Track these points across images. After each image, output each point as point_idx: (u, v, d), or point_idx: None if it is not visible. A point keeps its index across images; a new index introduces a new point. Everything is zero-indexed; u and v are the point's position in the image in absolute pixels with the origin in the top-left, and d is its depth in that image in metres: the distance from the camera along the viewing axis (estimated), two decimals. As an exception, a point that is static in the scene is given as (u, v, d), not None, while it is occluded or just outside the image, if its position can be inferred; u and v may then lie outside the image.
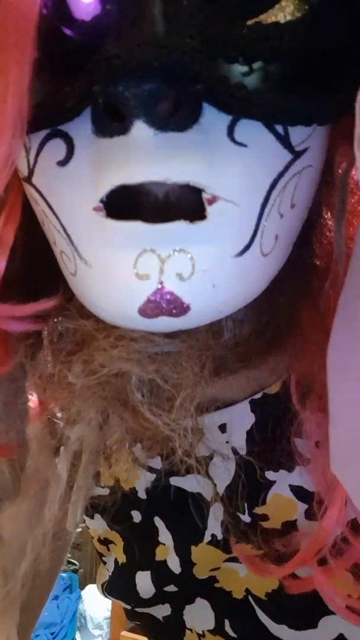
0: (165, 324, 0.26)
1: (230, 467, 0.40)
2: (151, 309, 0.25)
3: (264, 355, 0.35)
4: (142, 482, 0.45)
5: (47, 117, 0.25)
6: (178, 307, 0.25)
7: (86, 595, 2.18)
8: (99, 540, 0.49)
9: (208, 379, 0.31)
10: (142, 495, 0.45)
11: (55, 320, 0.33)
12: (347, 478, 0.28)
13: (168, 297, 0.25)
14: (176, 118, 0.24)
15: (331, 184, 0.32)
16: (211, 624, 0.44)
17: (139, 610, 0.47)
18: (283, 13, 0.24)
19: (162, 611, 0.46)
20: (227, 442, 0.40)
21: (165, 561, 0.44)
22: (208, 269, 0.25)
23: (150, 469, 0.44)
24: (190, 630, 0.45)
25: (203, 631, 0.44)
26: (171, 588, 0.45)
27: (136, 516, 0.46)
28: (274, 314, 0.33)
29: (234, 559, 0.41)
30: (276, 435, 0.38)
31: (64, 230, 0.27)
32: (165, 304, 0.25)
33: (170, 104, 0.24)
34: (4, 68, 0.23)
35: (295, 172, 0.27)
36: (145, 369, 0.29)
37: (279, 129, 0.26)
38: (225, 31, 0.23)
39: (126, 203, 0.25)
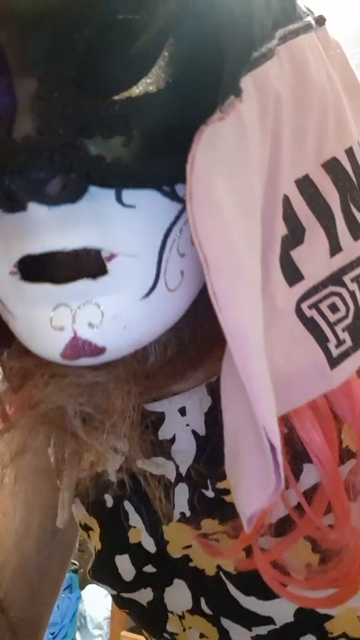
0: (87, 361, 0.29)
1: (191, 448, 0.42)
2: (70, 354, 0.29)
3: (191, 370, 0.38)
4: (111, 464, 0.46)
5: None
6: (93, 350, 0.29)
7: (86, 595, 2.19)
8: (81, 525, 0.51)
9: (138, 398, 0.33)
10: (112, 477, 0.47)
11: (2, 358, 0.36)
12: (232, 468, 0.30)
13: (82, 342, 0.28)
14: (65, 193, 0.27)
15: None
16: (189, 604, 0.45)
17: (124, 595, 0.48)
18: (149, 84, 0.26)
19: (145, 596, 0.47)
20: (187, 424, 0.42)
21: (139, 543, 0.46)
22: (117, 314, 0.29)
23: (118, 451, 0.46)
24: (172, 613, 0.47)
25: (182, 612, 0.46)
26: (150, 569, 0.46)
27: (108, 500, 0.48)
28: (195, 335, 0.35)
29: (205, 537, 0.43)
30: None
31: None
32: (81, 349, 0.28)
33: (58, 182, 0.26)
34: None
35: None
36: (77, 401, 0.32)
37: (164, 186, 0.28)
38: (99, 111, 0.26)
39: (36, 270, 0.28)
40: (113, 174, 0.26)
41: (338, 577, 0.36)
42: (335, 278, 0.31)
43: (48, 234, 0.27)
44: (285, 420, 0.35)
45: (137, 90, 0.26)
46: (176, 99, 0.27)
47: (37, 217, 0.27)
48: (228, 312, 0.26)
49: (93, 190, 0.27)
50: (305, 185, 0.31)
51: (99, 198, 0.27)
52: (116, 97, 0.26)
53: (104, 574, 0.49)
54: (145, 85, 0.26)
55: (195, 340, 0.35)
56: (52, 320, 0.28)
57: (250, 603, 0.42)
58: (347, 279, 0.31)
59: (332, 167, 0.32)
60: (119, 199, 0.28)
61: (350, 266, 0.32)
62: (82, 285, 0.28)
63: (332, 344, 0.30)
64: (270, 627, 0.41)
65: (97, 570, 0.50)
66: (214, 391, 0.41)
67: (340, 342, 0.30)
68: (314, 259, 0.31)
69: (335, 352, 0.30)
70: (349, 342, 0.31)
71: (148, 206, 0.28)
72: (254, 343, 0.26)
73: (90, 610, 2.15)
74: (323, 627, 0.40)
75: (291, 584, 0.38)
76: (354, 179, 0.32)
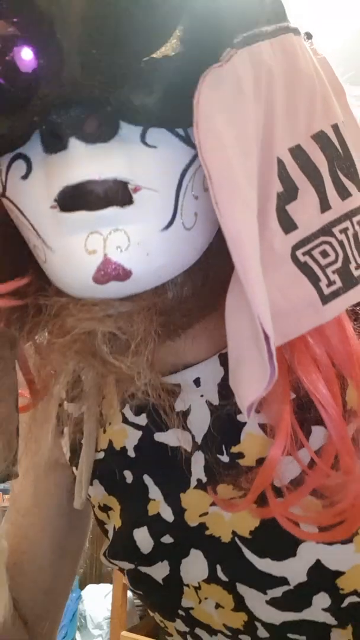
0: (116, 288, 0.34)
1: (205, 417, 0.45)
2: (101, 275, 0.33)
3: (205, 311, 0.41)
4: (130, 440, 0.49)
5: (7, 145, 0.34)
6: (121, 272, 0.33)
7: (86, 595, 2.20)
8: (100, 507, 0.53)
9: (158, 329, 0.37)
10: (131, 453, 0.49)
11: (35, 298, 0.39)
12: (238, 385, 0.34)
13: (112, 265, 0.33)
14: (100, 133, 0.32)
15: None
16: (205, 573, 0.47)
17: (142, 570, 0.50)
18: (168, 50, 0.33)
19: (161, 571, 0.49)
20: (201, 395, 0.45)
21: (158, 514, 0.48)
22: (141, 242, 0.33)
23: (137, 427, 0.49)
24: (188, 585, 0.48)
25: (199, 583, 0.47)
26: (167, 539, 0.48)
27: (128, 476, 0.50)
28: (207, 279, 0.39)
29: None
30: None
31: (33, 227, 0.35)
32: (111, 270, 0.33)
33: (94, 123, 0.32)
34: None
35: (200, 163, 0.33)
36: (106, 325, 0.36)
37: (180, 131, 0.34)
38: (128, 66, 0.32)
39: (73, 199, 0.33)
40: (140, 113, 0.32)
41: (344, 510, 0.40)
42: (326, 230, 0.35)
43: (85, 164, 0.32)
44: (292, 379, 0.38)
45: (158, 54, 0.32)
46: (189, 61, 0.32)
47: (75, 152, 0.32)
48: (227, 217, 0.30)
49: (122, 133, 0.33)
50: (298, 153, 0.35)
51: (127, 139, 0.33)
52: (142, 58, 0.32)
53: (121, 549, 0.51)
54: (165, 50, 0.32)
55: (207, 284, 0.39)
56: (86, 245, 0.33)
57: (265, 565, 0.44)
58: (336, 230, 0.35)
59: (320, 138, 0.36)
60: (143, 140, 0.33)
61: (339, 220, 0.35)
62: (112, 212, 0.33)
63: (323, 284, 0.34)
64: (285, 588, 0.44)
65: (113, 548, 0.52)
66: (226, 362, 0.43)
67: (330, 282, 0.34)
68: (307, 213, 0.34)
69: (326, 291, 0.34)
70: (339, 284, 0.34)
71: (167, 148, 0.33)
72: (250, 245, 0.31)
73: (90, 610, 2.16)
74: (335, 584, 0.42)
75: (303, 522, 0.41)
76: (339, 149, 0.36)
